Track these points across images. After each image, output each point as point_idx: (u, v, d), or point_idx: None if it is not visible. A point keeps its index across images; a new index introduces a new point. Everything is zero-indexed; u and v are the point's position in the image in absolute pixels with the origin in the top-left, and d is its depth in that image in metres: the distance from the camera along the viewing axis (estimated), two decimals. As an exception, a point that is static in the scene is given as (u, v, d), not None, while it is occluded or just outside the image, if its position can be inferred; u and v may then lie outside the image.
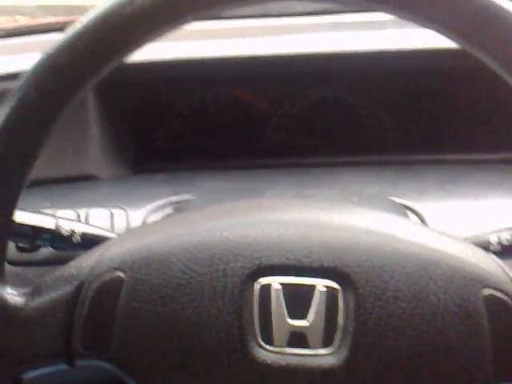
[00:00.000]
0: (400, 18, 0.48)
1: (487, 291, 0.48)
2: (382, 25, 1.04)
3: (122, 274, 0.50)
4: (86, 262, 0.51)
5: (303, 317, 0.48)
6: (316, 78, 1.00)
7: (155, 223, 0.60)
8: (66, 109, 0.49)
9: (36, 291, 0.52)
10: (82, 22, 0.47)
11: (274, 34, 1.04)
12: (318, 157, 0.98)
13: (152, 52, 0.92)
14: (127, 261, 0.50)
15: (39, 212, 0.68)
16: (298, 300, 0.48)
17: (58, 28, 1.01)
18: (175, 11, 0.47)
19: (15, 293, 0.51)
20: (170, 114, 1.01)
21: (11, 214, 0.51)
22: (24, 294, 0.51)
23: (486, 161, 0.93)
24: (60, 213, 0.73)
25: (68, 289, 0.50)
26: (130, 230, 0.57)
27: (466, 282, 0.48)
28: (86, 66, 0.48)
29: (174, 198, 0.81)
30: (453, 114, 0.97)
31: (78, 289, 0.50)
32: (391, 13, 0.48)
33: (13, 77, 0.78)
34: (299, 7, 1.33)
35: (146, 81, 0.96)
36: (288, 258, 0.49)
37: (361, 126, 1.01)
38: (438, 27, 0.47)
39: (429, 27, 0.47)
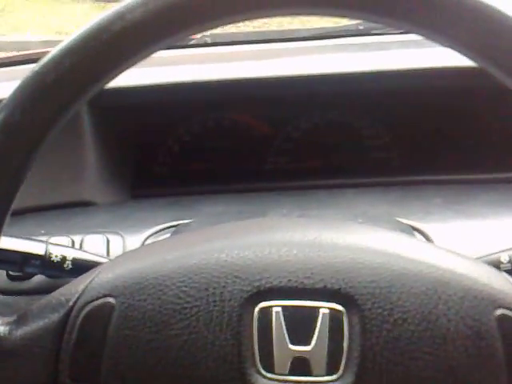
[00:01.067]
0: (417, 34, 0.46)
1: (500, 311, 0.46)
2: (382, 46, 1.03)
3: (112, 300, 0.47)
4: (75, 288, 0.49)
5: (306, 342, 0.46)
6: (318, 100, 0.99)
7: (148, 246, 0.58)
8: (54, 130, 0.46)
9: (21, 320, 0.49)
10: (69, 38, 0.45)
11: (274, 56, 1.03)
12: (322, 179, 0.96)
13: (150, 75, 0.91)
14: (118, 286, 0.48)
15: (29, 238, 0.66)
16: (300, 324, 0.46)
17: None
18: (166, 27, 0.45)
19: None
20: (169, 139, 0.99)
21: None
22: (8, 323, 0.49)
23: (491, 180, 0.91)
24: (54, 239, 0.71)
25: (55, 317, 0.48)
26: (122, 254, 0.55)
27: (477, 302, 0.46)
28: (75, 85, 0.45)
29: (172, 223, 0.78)
30: (457, 134, 0.96)
31: (66, 316, 0.48)
32: (410, 30, 0.46)
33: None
34: (299, 33, 1.33)
35: (144, 105, 0.94)
36: (289, 280, 0.47)
37: (364, 148, 0.99)
38: (454, 44, 0.45)
39: (446, 45, 0.45)
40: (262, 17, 0.47)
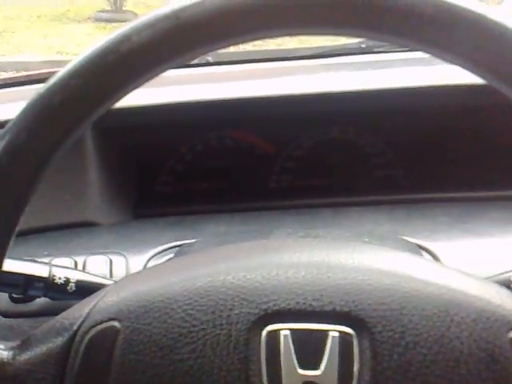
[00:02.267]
0: (425, 52, 0.45)
1: None
2: (385, 64, 1.03)
3: (117, 324, 0.46)
4: (79, 311, 0.48)
5: (315, 366, 0.44)
6: (321, 118, 0.98)
7: (153, 268, 0.57)
8: (59, 152, 0.46)
9: (25, 344, 0.48)
10: (76, 60, 0.45)
11: (276, 75, 1.03)
12: (326, 198, 0.96)
13: (152, 96, 0.91)
14: (123, 309, 0.46)
15: (32, 260, 0.65)
16: (309, 348, 0.45)
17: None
18: (173, 48, 0.45)
19: (2, 347, 0.48)
20: (171, 158, 0.98)
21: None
22: (12, 348, 0.48)
23: (498, 198, 0.90)
24: (56, 261, 0.70)
25: (59, 341, 0.47)
26: (126, 277, 0.54)
27: (490, 324, 0.45)
28: (81, 106, 0.45)
29: (176, 243, 0.77)
30: (463, 151, 0.95)
31: (70, 341, 0.47)
32: (419, 49, 0.45)
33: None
34: (301, 51, 1.33)
35: (146, 125, 0.94)
36: (297, 303, 0.45)
37: (368, 166, 0.99)
38: (462, 61, 0.44)
39: (453, 62, 0.45)
40: (274, 36, 0.46)
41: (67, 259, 0.72)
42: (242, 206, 0.95)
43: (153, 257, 0.75)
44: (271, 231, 0.80)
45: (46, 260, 0.68)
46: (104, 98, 0.45)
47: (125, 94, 0.46)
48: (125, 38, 0.44)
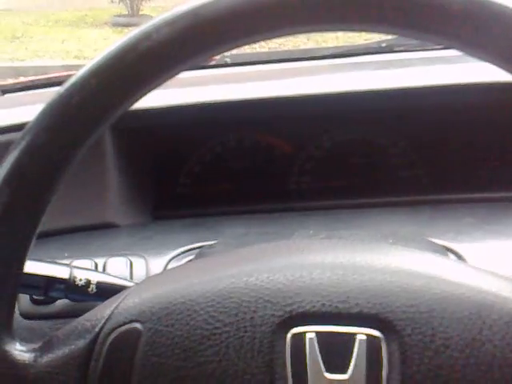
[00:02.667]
0: (456, 49, 0.44)
1: None
2: (405, 63, 1.02)
3: (139, 326, 0.45)
4: (101, 313, 0.47)
5: (342, 370, 0.43)
6: (341, 118, 0.97)
7: (175, 269, 0.56)
8: (79, 152, 0.45)
9: (47, 346, 0.47)
10: (95, 59, 0.44)
11: (295, 75, 1.02)
12: (347, 199, 0.94)
13: (171, 97, 0.90)
14: (145, 311, 0.46)
15: (53, 262, 0.64)
16: (335, 351, 0.43)
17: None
18: (193, 46, 0.44)
19: (24, 349, 0.47)
20: (190, 160, 0.98)
21: (20, 265, 0.47)
22: (34, 350, 0.47)
23: None
24: (77, 262, 0.69)
25: (81, 343, 0.46)
26: (148, 278, 0.53)
27: None
28: (100, 106, 0.44)
29: (196, 245, 0.76)
30: (487, 150, 0.93)
31: (92, 343, 0.46)
32: (450, 46, 0.44)
33: (18, 128, 0.76)
34: (320, 51, 1.32)
35: (165, 126, 0.93)
36: (323, 305, 0.44)
37: (390, 166, 0.97)
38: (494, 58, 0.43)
39: (484, 59, 0.43)
40: (298, 33, 0.45)
41: (87, 261, 0.71)
42: (262, 207, 0.93)
43: (173, 258, 0.75)
44: (292, 233, 0.78)
45: (66, 262, 0.68)
46: (124, 97, 0.44)
47: (144, 94, 0.45)
48: (144, 36, 0.43)
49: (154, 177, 0.95)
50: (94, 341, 0.46)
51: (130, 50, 0.43)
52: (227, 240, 0.78)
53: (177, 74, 0.45)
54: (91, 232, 0.84)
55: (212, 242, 0.76)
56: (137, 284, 0.52)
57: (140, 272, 0.72)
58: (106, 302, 0.49)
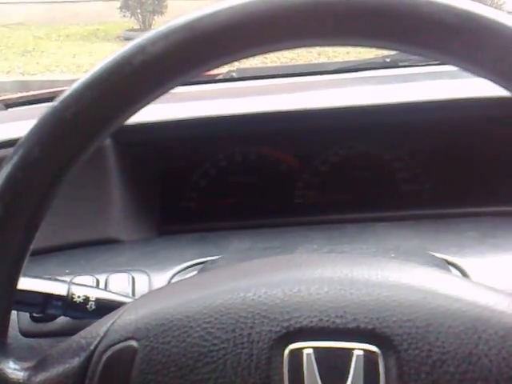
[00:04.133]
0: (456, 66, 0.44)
1: None
2: (410, 78, 1.02)
3: (135, 344, 0.45)
4: (96, 330, 0.47)
5: None
6: (346, 133, 0.97)
7: (173, 285, 0.56)
8: (74, 166, 0.45)
9: (41, 365, 0.47)
10: (90, 72, 0.44)
11: (300, 90, 1.02)
12: (351, 213, 0.94)
13: (176, 111, 0.90)
14: (141, 328, 0.45)
15: (51, 279, 0.64)
16: (333, 367, 0.43)
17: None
18: (188, 60, 0.44)
19: (18, 367, 0.47)
20: (195, 174, 0.98)
21: (13, 282, 0.47)
22: (28, 369, 0.47)
23: None
24: (78, 279, 0.69)
25: (75, 362, 0.46)
26: (145, 295, 0.53)
27: None
28: (95, 119, 0.44)
29: (199, 260, 0.76)
30: (491, 164, 0.93)
31: (87, 361, 0.46)
32: (449, 63, 0.44)
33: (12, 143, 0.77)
34: (325, 66, 1.33)
35: (170, 140, 0.94)
36: (320, 320, 0.44)
37: (394, 180, 0.97)
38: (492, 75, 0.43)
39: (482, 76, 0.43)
40: (291, 48, 0.45)
41: (89, 277, 0.71)
42: (267, 221, 0.93)
43: (176, 274, 0.74)
44: (296, 247, 0.78)
45: (67, 278, 0.68)
46: (119, 110, 0.44)
47: (141, 107, 0.45)
48: (139, 49, 0.43)
49: (159, 191, 0.96)
50: (88, 359, 0.46)
51: (124, 63, 0.43)
52: (231, 255, 0.78)
53: (172, 88, 0.45)
54: (94, 248, 0.84)
55: (215, 257, 0.76)
56: (133, 300, 0.52)
57: (142, 288, 0.71)
58: (101, 319, 0.49)
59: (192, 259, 0.77)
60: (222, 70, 1.24)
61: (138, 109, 0.45)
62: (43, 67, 7.62)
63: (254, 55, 0.45)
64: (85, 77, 0.44)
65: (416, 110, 0.91)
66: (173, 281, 0.74)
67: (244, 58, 0.45)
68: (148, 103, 0.45)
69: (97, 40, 9.59)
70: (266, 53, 0.46)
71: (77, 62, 7.86)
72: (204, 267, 0.74)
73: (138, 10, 9.68)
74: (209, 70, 0.46)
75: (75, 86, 0.44)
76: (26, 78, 7.22)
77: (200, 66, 0.44)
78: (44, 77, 7.17)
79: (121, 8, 9.77)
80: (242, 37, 0.43)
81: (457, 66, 0.44)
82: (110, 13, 10.11)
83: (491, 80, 0.43)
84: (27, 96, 1.13)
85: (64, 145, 0.44)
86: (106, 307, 0.62)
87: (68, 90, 0.44)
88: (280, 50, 0.45)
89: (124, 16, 9.65)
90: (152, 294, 0.54)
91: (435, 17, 0.41)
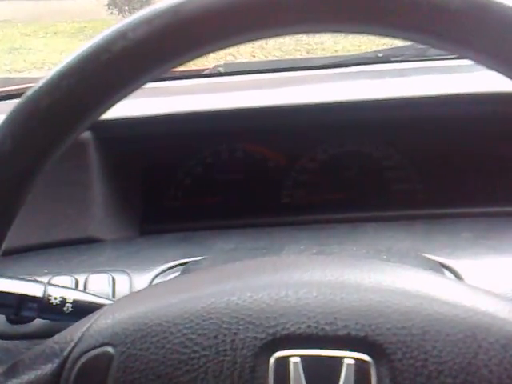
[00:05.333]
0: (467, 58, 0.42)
1: None
2: (402, 73, 1.00)
3: (111, 350, 0.42)
4: (71, 335, 0.44)
5: None
6: (335, 130, 0.95)
7: (153, 288, 0.53)
8: (48, 161, 0.42)
9: (11, 371, 0.44)
10: (66, 60, 0.41)
11: (289, 85, 1.00)
12: (340, 213, 0.92)
13: (161, 105, 0.88)
14: (118, 333, 0.43)
15: (27, 279, 0.61)
16: (321, 377, 0.41)
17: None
18: (173, 47, 0.41)
19: None
20: (180, 171, 0.95)
21: None
22: None
23: None
24: (56, 279, 0.67)
25: (48, 368, 0.43)
26: (124, 297, 0.50)
27: None
28: (71, 110, 0.41)
29: (182, 261, 0.74)
30: (486, 163, 0.91)
31: (60, 368, 0.43)
32: (455, 53, 0.42)
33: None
34: (315, 61, 1.30)
35: (154, 136, 0.91)
36: (309, 326, 0.41)
37: (385, 180, 0.95)
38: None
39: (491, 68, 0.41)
40: (281, 34, 0.42)
41: (67, 277, 0.68)
42: (254, 221, 0.91)
43: (158, 275, 0.72)
44: (283, 248, 0.76)
45: (45, 278, 0.65)
46: (97, 101, 0.41)
47: (121, 98, 0.42)
48: (119, 35, 0.40)
49: (142, 189, 0.93)
50: (61, 365, 0.43)
51: (103, 51, 0.40)
52: (215, 255, 0.75)
53: (154, 77, 0.42)
54: (74, 247, 0.81)
55: (199, 258, 0.73)
56: (111, 304, 0.49)
57: (123, 289, 0.69)
58: (77, 323, 0.46)
59: (175, 259, 0.74)
60: (209, 65, 1.21)
61: (118, 100, 0.42)
62: (30, 64, 7.57)
63: (244, 42, 0.42)
64: (61, 65, 0.41)
65: (408, 106, 0.89)
66: (155, 282, 0.71)
67: (234, 44, 0.42)
68: (128, 94, 0.42)
69: (84, 37, 9.53)
70: (256, 39, 0.43)
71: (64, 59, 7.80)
72: (187, 268, 0.72)
73: (126, 8, 9.66)
74: (195, 59, 0.43)
75: (50, 74, 0.41)
76: (13, 75, 7.16)
77: (185, 54, 0.41)
78: (31, 74, 7.12)
79: (108, 5, 9.75)
80: (234, 20, 0.40)
81: (447, 49, 0.41)
82: (98, 10, 10.06)
83: (493, 68, 0.41)
84: (8, 90, 1.10)
85: (37, 137, 0.41)
86: (83, 309, 0.59)
87: (43, 79, 0.41)
88: (272, 36, 0.42)
89: (112, 13, 9.62)
90: (130, 296, 0.51)
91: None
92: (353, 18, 0.40)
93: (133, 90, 0.42)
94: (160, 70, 0.41)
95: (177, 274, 0.72)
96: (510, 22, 0.39)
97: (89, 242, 0.83)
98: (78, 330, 0.44)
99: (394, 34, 0.41)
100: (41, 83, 0.41)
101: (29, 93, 0.41)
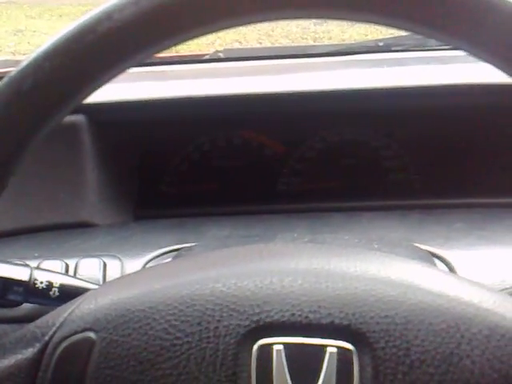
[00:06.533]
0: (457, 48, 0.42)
1: None
2: (402, 62, 0.99)
3: (92, 335, 0.42)
4: (53, 319, 0.44)
5: None
6: (333, 118, 0.94)
7: (138, 273, 0.53)
8: (31, 143, 0.41)
9: None
10: (51, 40, 0.41)
11: (289, 72, 0.99)
12: (337, 201, 0.92)
13: (158, 89, 0.87)
14: (100, 319, 0.42)
15: (13, 262, 0.61)
16: (304, 365, 0.41)
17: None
18: (160, 29, 0.40)
19: None
20: (177, 157, 0.95)
21: None
22: None
23: None
24: (46, 263, 0.66)
25: (29, 352, 0.43)
26: (108, 282, 0.50)
27: (505, 341, 0.41)
28: (55, 92, 0.41)
29: (174, 247, 0.73)
30: (481, 154, 0.91)
31: (41, 353, 0.43)
32: (449, 43, 0.41)
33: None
34: (315, 49, 1.30)
35: (151, 121, 0.90)
36: (293, 314, 0.41)
37: (382, 169, 0.94)
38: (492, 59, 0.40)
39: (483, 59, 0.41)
40: (273, 19, 0.42)
41: (58, 261, 0.68)
42: (250, 208, 0.91)
43: (150, 260, 0.72)
44: (276, 236, 0.75)
45: (36, 262, 0.65)
46: (81, 83, 0.40)
47: (106, 80, 0.41)
48: (105, 16, 0.39)
49: (137, 174, 0.93)
50: (42, 350, 0.43)
51: (88, 31, 0.39)
52: (208, 242, 0.75)
53: (141, 60, 0.41)
54: (66, 231, 0.81)
55: (191, 244, 0.73)
56: (94, 289, 0.49)
57: (114, 274, 0.68)
58: (60, 308, 0.46)
59: (168, 245, 0.74)
60: (209, 50, 1.21)
61: (102, 83, 0.41)
62: (35, 47, 7.52)
63: (240, 24, 0.41)
64: (44, 45, 0.41)
65: (406, 95, 0.88)
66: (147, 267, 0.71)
67: (229, 27, 0.42)
68: (113, 77, 0.42)
69: (90, 21, 9.49)
70: (254, 22, 0.42)
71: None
72: (179, 254, 0.71)
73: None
74: (184, 41, 0.42)
75: (34, 55, 0.41)
76: (17, 57, 7.14)
77: (173, 37, 0.41)
78: (36, 57, 7.09)
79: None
80: (222, 3, 0.39)
81: (442, 39, 0.41)
82: (104, -6, 10.02)
83: (490, 62, 0.40)
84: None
85: (19, 120, 0.41)
86: (71, 294, 0.59)
87: (26, 60, 0.41)
88: (277, 19, 0.42)
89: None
90: (114, 282, 0.51)
91: None
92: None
93: (118, 73, 0.41)
94: (146, 54, 0.41)
95: (169, 260, 0.71)
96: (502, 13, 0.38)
97: (82, 226, 0.82)
98: (60, 315, 0.44)
99: (377, 20, 0.40)
100: (24, 64, 0.41)
101: (12, 73, 0.41)
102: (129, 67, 0.41)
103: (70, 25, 0.41)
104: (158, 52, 0.42)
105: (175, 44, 0.41)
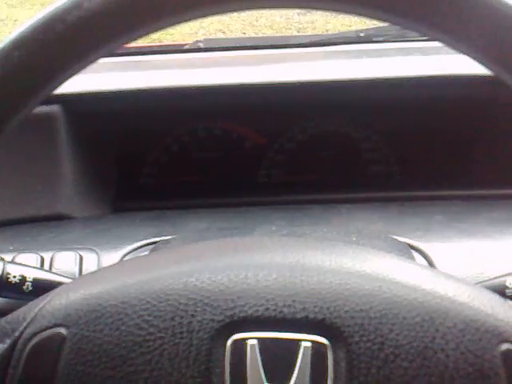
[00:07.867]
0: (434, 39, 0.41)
1: (505, 346, 0.41)
2: (383, 53, 0.99)
3: (63, 331, 0.42)
4: (24, 315, 0.43)
5: (284, 380, 0.40)
6: (314, 110, 0.94)
7: (110, 268, 0.52)
8: (2, 133, 0.41)
9: None
10: (19, 30, 0.40)
11: (269, 63, 0.98)
12: (316, 193, 0.91)
13: (137, 80, 0.86)
14: (71, 314, 0.42)
15: None
16: (278, 359, 0.40)
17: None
18: (131, 18, 0.39)
19: None
20: (156, 149, 0.94)
21: None
22: None
23: (496, 196, 0.86)
24: (21, 257, 0.65)
25: None
26: (80, 277, 0.49)
27: (480, 335, 0.41)
28: (24, 82, 0.40)
29: (152, 240, 0.72)
30: (460, 147, 0.91)
31: (11, 349, 0.42)
32: (425, 34, 0.41)
33: None
34: (296, 39, 1.29)
35: (129, 111, 0.89)
36: (267, 309, 0.41)
37: (362, 161, 0.94)
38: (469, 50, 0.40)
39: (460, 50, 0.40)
40: (256, 8, 0.41)
41: (33, 255, 0.67)
42: (229, 200, 0.90)
43: (127, 254, 0.71)
44: (254, 228, 0.75)
45: (10, 255, 0.64)
46: (50, 73, 0.40)
47: (76, 71, 0.40)
48: (74, 5, 0.38)
49: (116, 166, 0.91)
50: (12, 346, 0.42)
51: (57, 21, 0.39)
52: (186, 235, 0.74)
53: (111, 50, 0.40)
54: (41, 224, 0.79)
55: (169, 237, 0.73)
56: (66, 284, 0.48)
57: (90, 268, 0.67)
58: (31, 303, 0.45)
59: (146, 238, 0.73)
60: (189, 40, 1.20)
61: (72, 74, 0.41)
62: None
63: (219, 13, 0.40)
64: (13, 35, 0.40)
65: (387, 86, 0.88)
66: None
67: (195, 18, 0.41)
68: (83, 68, 0.41)
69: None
70: (230, 11, 0.41)
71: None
72: (156, 247, 0.71)
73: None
74: (155, 31, 0.41)
75: (2, 44, 0.40)
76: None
77: (144, 27, 0.40)
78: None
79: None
80: None
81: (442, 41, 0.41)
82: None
83: (472, 56, 0.40)
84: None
85: None
86: (44, 288, 0.58)
87: None
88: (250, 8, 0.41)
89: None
90: (86, 276, 0.50)
91: None
92: None
93: (89, 63, 0.41)
94: (116, 43, 0.40)
95: (146, 253, 0.71)
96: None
97: (58, 218, 0.81)
98: (31, 310, 0.44)
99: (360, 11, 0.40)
100: None
101: None
102: (100, 57, 0.41)
103: (39, 14, 0.40)
104: (129, 42, 0.41)
105: (146, 34, 0.41)
